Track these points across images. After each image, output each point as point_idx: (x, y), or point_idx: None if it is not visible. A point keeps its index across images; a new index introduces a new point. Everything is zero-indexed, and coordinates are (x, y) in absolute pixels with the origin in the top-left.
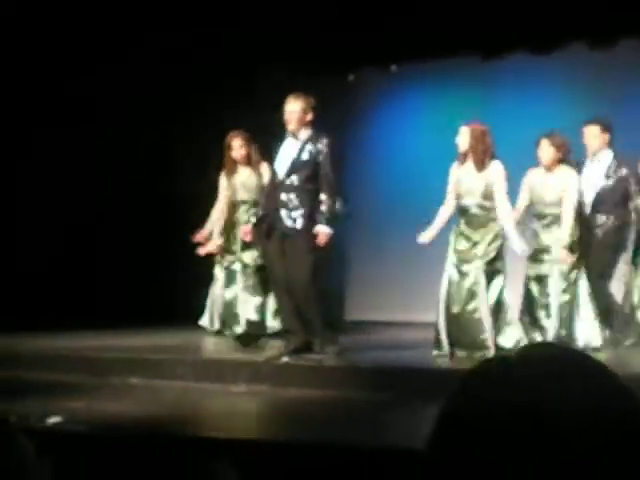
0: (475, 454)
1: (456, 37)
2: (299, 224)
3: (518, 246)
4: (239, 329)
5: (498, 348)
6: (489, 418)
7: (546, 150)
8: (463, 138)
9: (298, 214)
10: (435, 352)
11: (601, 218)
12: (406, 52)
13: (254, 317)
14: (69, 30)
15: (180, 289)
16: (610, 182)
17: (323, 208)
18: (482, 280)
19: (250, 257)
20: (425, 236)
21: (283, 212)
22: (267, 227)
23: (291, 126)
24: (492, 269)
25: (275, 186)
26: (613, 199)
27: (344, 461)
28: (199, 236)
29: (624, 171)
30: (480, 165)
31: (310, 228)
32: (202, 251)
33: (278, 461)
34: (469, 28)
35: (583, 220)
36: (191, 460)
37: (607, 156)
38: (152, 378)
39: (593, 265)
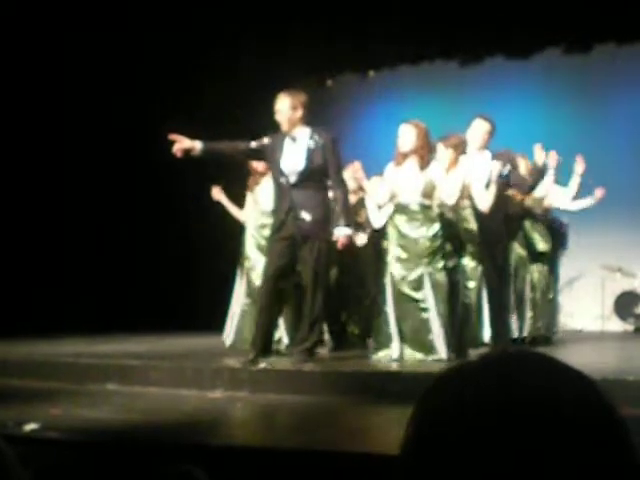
0: (454, 453)
1: (434, 44)
2: (315, 226)
3: None
4: None
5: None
6: (467, 417)
7: (443, 152)
8: (407, 137)
9: (313, 216)
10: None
11: None
12: (385, 59)
13: None
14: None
15: (158, 294)
16: None
17: (338, 208)
18: (427, 279)
19: None
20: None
21: (298, 216)
22: (284, 233)
23: (283, 127)
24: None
25: (285, 191)
26: None
27: (322, 467)
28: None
29: None
30: (424, 164)
31: (326, 229)
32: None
33: (254, 467)
34: (447, 35)
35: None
36: (167, 466)
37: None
38: (129, 384)
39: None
